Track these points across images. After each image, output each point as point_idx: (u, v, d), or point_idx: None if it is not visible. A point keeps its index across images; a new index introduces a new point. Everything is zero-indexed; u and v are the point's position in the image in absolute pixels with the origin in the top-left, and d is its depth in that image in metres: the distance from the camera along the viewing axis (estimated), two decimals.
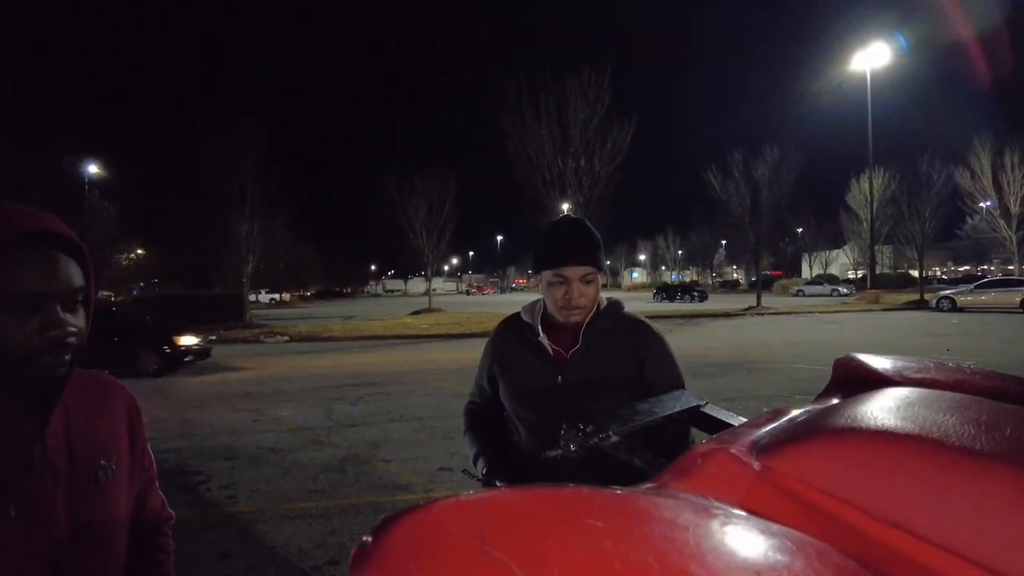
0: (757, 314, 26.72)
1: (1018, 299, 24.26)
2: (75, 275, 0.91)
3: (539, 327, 1.62)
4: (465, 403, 1.87)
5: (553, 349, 1.60)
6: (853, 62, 32.63)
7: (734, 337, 16.39)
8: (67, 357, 0.91)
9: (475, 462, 1.67)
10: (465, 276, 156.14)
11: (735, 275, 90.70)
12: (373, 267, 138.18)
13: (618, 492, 0.55)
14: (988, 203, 40.36)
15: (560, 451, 1.00)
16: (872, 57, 31.48)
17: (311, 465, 5.40)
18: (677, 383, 1.56)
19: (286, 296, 66.21)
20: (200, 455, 5.80)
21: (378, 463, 5.45)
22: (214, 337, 18.69)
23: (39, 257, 0.87)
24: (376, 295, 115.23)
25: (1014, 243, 39.77)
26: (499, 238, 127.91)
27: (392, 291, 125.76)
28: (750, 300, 33.19)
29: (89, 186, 30.15)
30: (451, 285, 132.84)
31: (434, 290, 43.54)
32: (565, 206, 25.12)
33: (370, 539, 0.46)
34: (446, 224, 34.15)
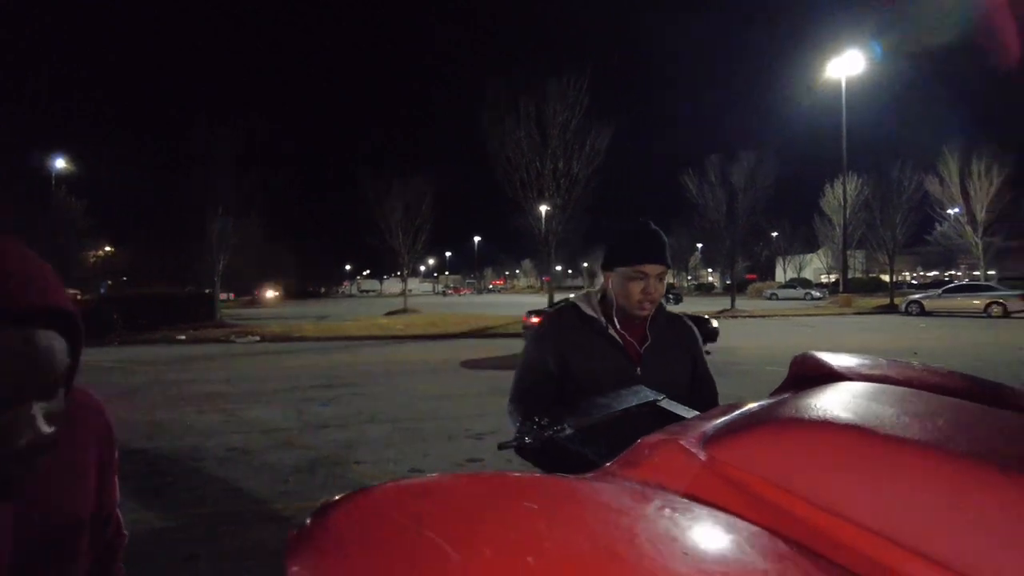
0: (731, 317, 27.01)
1: (983, 304, 24.90)
2: (60, 356, 0.69)
3: (603, 319, 1.75)
4: (509, 397, 1.82)
5: (625, 341, 1.74)
6: (828, 69, 33.19)
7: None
8: (42, 458, 0.70)
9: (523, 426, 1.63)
10: (442, 277, 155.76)
11: (710, 278, 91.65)
12: (348, 267, 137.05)
13: (559, 478, 0.55)
14: (956, 210, 41.38)
15: (515, 442, 1.00)
16: (846, 65, 32.04)
17: (281, 467, 5.34)
18: (711, 380, 1.87)
19: (273, 293, 64.60)
20: (167, 457, 5.69)
21: (350, 464, 5.40)
22: (183, 336, 18.48)
23: (21, 339, 0.65)
24: (351, 295, 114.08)
25: (980, 249, 40.81)
26: (476, 239, 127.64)
27: (367, 291, 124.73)
28: (724, 303, 33.58)
29: (56, 181, 29.52)
30: (427, 286, 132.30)
31: (410, 291, 43.37)
32: (543, 208, 25.20)
33: (309, 521, 0.47)
34: (423, 224, 34.00)
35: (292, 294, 79.47)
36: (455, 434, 6.42)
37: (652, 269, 1.68)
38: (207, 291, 27.58)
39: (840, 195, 38.51)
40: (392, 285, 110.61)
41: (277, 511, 4.26)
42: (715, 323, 13.81)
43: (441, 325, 22.14)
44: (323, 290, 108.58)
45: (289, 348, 16.42)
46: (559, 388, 1.74)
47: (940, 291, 27.82)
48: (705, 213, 32.65)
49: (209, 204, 25.20)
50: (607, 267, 1.78)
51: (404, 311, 32.17)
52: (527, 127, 24.31)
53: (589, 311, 1.78)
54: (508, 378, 1.86)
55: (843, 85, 31.92)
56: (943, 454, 0.55)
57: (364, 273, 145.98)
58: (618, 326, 1.75)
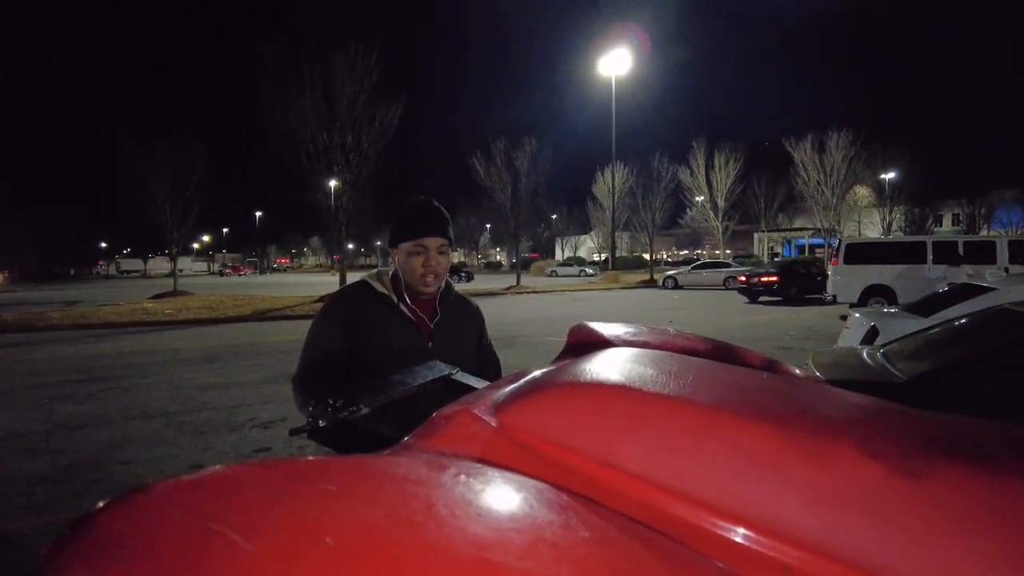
0: (517, 293, 28.53)
1: (722, 278, 29.26)
2: None
3: (395, 296, 1.77)
4: (293, 375, 1.75)
5: (416, 317, 1.77)
6: (600, 67, 36.04)
7: (497, 314, 17.30)
8: None
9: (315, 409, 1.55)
10: (218, 255, 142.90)
11: (498, 257, 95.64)
12: (104, 244, 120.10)
13: (353, 457, 0.56)
14: (702, 198, 47.82)
15: (308, 427, 0.98)
16: (616, 64, 35.03)
17: (23, 477, 4.57)
18: (494, 355, 2.02)
19: None
20: None
21: (116, 466, 4.79)
22: None
23: None
24: (109, 276, 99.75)
25: (720, 232, 47.69)
26: (258, 214, 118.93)
27: (129, 272, 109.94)
28: (511, 280, 35.29)
29: None
30: (202, 265, 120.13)
31: (180, 271, 39.21)
32: (332, 183, 24.23)
33: (68, 532, 0.43)
34: (195, 196, 30.81)
35: (32, 276, 67.30)
36: (239, 425, 5.99)
37: (432, 243, 1.72)
38: None
39: (610, 182, 42.33)
40: (159, 265, 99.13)
41: (18, 531, 3.65)
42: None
43: (218, 308, 20.34)
44: (73, 271, 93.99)
45: (31, 339, 13.94)
46: (350, 367, 1.73)
47: (690, 268, 32.19)
48: (492, 195, 33.91)
49: None
50: (392, 244, 1.80)
51: (175, 294, 28.97)
52: (313, 97, 23.09)
53: (380, 288, 1.78)
54: (295, 363, 1.79)
55: (613, 82, 34.89)
56: (692, 405, 0.66)
57: (125, 251, 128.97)
58: (408, 302, 1.77)
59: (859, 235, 43.07)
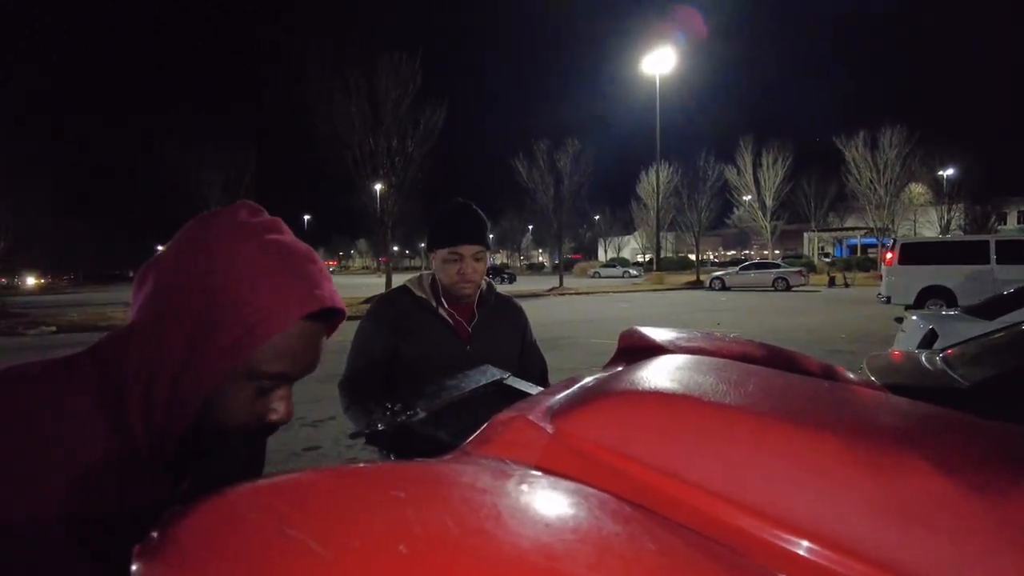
0: (559, 294, 28.47)
1: (771, 279, 28.60)
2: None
3: (434, 300, 1.78)
4: (340, 380, 1.83)
5: (455, 320, 1.78)
6: (644, 66, 35.71)
7: (539, 316, 17.29)
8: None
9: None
10: None
11: (540, 258, 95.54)
12: (159, 247, 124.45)
13: (419, 463, 0.57)
14: (749, 197, 46.88)
15: (368, 430, 0.99)
16: (660, 62, 34.67)
17: None
18: (539, 356, 1.99)
19: (36, 280, 55.33)
20: None
21: None
22: None
23: (316, 334, 0.77)
24: None
25: (768, 232, 46.65)
26: (306, 218, 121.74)
27: None
28: (553, 281, 35.24)
29: None
30: None
31: None
32: (377, 186, 24.62)
33: (157, 533, 0.44)
34: (245, 200, 31.71)
35: (93, 278, 70.24)
36: (289, 423, 6.14)
37: (467, 250, 1.72)
38: None
39: (654, 182, 41.86)
40: None
41: None
42: None
43: None
44: (131, 273, 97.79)
45: (93, 339, 14.54)
46: (390, 371, 1.77)
47: (738, 269, 31.53)
48: (535, 196, 33.90)
49: None
50: (430, 249, 1.82)
51: None
52: (358, 103, 23.50)
53: (420, 293, 1.81)
54: (342, 363, 1.84)
55: (657, 81, 34.54)
56: (754, 415, 0.65)
57: None
58: (447, 306, 1.79)
59: (914, 234, 41.54)
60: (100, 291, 46.62)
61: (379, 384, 1.78)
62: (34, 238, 29.98)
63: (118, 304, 26.80)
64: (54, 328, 16.51)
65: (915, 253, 15.28)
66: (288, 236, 0.79)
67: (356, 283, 40.69)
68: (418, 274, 1.89)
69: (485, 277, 1.87)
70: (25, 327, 16.56)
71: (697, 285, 33.26)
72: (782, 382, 0.86)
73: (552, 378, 2.02)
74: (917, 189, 44.33)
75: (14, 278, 49.32)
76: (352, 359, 1.82)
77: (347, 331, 1.96)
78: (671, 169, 45.84)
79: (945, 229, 42.76)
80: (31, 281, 53.61)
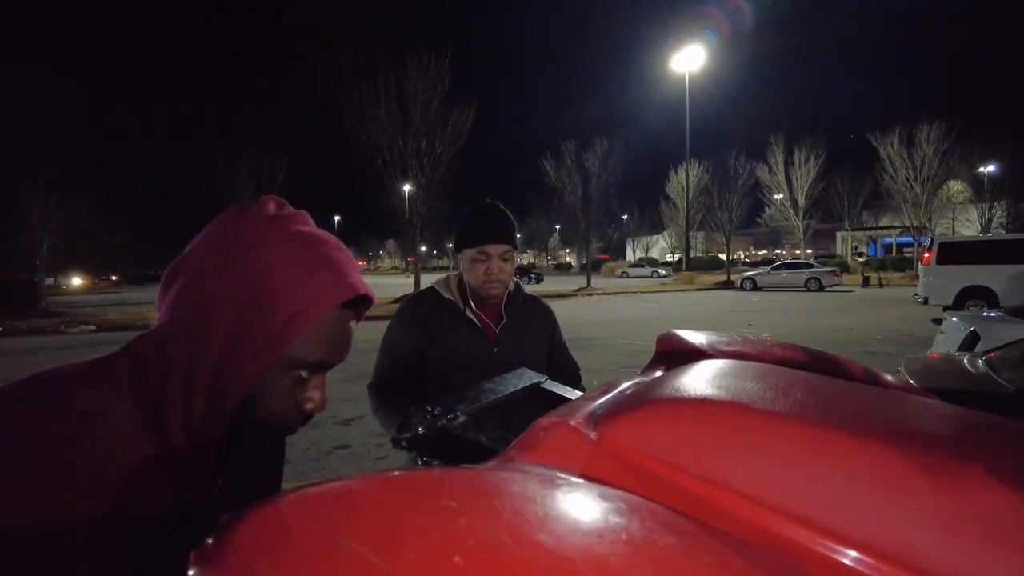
0: (587, 295, 28.35)
1: (803, 279, 28.10)
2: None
3: (461, 302, 1.77)
4: (369, 383, 1.82)
5: (482, 322, 1.76)
6: (673, 63, 35.39)
7: (567, 316, 17.25)
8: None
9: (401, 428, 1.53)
10: None
11: (568, 258, 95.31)
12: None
13: (468, 470, 0.56)
14: (781, 195, 46.12)
15: (410, 434, 1.00)
16: (689, 59, 34.32)
17: None
18: (570, 358, 1.97)
19: (81, 280, 56.74)
20: None
21: None
22: None
23: (348, 321, 0.79)
24: None
25: (801, 231, 45.85)
26: (336, 218, 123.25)
27: None
28: (581, 282, 35.10)
29: None
30: None
31: None
32: (406, 187, 24.81)
33: (210, 541, 0.43)
34: None
35: (132, 279, 72.09)
36: (320, 421, 6.21)
37: (494, 250, 1.70)
38: (28, 276, 24.27)
39: (683, 181, 41.43)
40: None
41: None
42: None
43: None
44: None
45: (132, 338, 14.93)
46: (418, 372, 1.76)
47: (769, 269, 31.03)
48: (562, 196, 33.78)
49: (27, 177, 22.08)
50: (457, 249, 1.80)
51: None
52: (388, 105, 23.72)
53: (447, 294, 1.79)
54: (372, 363, 1.85)
55: (687, 79, 34.19)
56: (806, 423, 0.63)
57: None
58: (474, 307, 1.77)
59: (953, 233, 40.42)
60: (138, 291, 47.76)
61: (408, 387, 1.78)
62: (79, 238, 30.77)
63: (154, 304, 27.35)
64: (94, 327, 16.97)
65: (954, 252, 14.87)
66: (315, 228, 0.80)
67: (385, 283, 41.06)
68: (445, 275, 1.88)
69: (512, 277, 1.85)
70: (67, 326, 17.04)
71: (727, 285, 32.83)
72: (831, 388, 0.83)
73: (583, 380, 2.00)
74: (956, 186, 43.12)
75: (57, 278, 50.83)
76: (381, 361, 1.81)
77: (374, 331, 1.97)
78: (701, 168, 45.38)
79: (986, 228, 41.49)
80: (76, 281, 55.25)
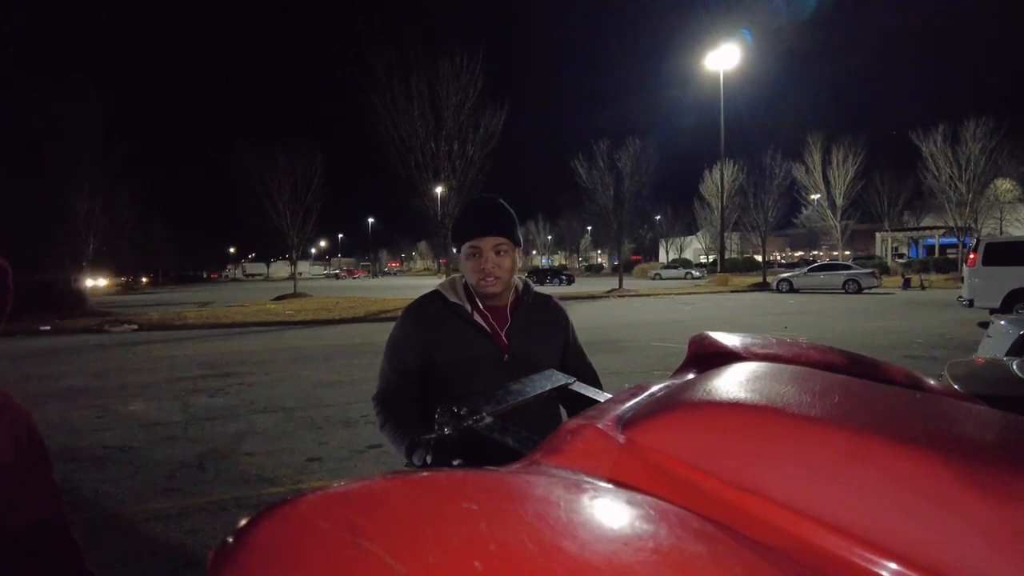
0: (619, 296, 28.13)
1: (841, 281, 27.44)
2: None
3: (468, 305, 1.67)
4: (374, 394, 1.74)
5: (490, 325, 1.66)
6: (707, 62, 34.91)
7: (599, 318, 17.15)
8: None
9: (411, 452, 1.43)
10: (334, 259, 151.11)
11: (599, 259, 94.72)
12: (232, 250, 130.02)
13: (492, 473, 0.55)
14: (818, 195, 45.13)
15: (436, 434, 0.99)
16: (724, 58, 33.82)
17: (165, 462, 5.02)
18: (586, 361, 1.84)
19: (107, 280, 57.96)
20: None
21: (241, 456, 5.16)
22: (47, 327, 16.80)
23: None
24: (235, 280, 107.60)
25: (839, 232, 44.81)
26: (370, 220, 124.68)
27: (253, 275, 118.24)
28: (613, 283, 34.82)
29: None
30: (319, 269, 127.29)
31: (300, 274, 41.68)
32: (438, 189, 24.98)
33: (231, 540, 0.43)
34: (312, 204, 32.70)
35: (171, 279, 74.16)
36: (353, 421, 6.28)
37: (486, 243, 1.59)
38: (74, 277, 25.09)
39: (718, 181, 40.82)
40: (280, 269, 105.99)
41: (163, 510, 4.00)
42: None
43: (334, 310, 21.47)
44: (205, 275, 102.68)
45: (170, 337, 15.35)
46: (424, 379, 1.68)
47: (806, 270, 30.37)
48: (594, 197, 33.56)
49: (73, 181, 22.87)
50: (456, 250, 1.71)
51: (295, 295, 30.86)
52: (421, 108, 23.93)
53: (452, 297, 1.69)
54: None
55: (721, 77, 33.71)
56: (845, 429, 0.61)
57: (249, 256, 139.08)
58: (481, 308, 1.68)
59: (1000, 233, 39.05)
60: (177, 291, 48.97)
61: (415, 397, 1.68)
62: (122, 239, 31.71)
63: (192, 304, 28.06)
64: (135, 327, 17.45)
65: (1001, 253, 14.34)
66: None
67: (418, 284, 41.35)
68: (451, 277, 1.78)
69: (522, 276, 1.76)
70: (110, 325, 17.55)
71: (763, 287, 32.24)
72: (870, 392, 0.80)
73: (611, 383, 1.96)
74: (1004, 185, 41.60)
75: (99, 278, 52.41)
76: (385, 371, 1.73)
77: (384, 335, 1.95)
78: (736, 167, 44.61)
79: None
80: (102, 283, 57.09)
